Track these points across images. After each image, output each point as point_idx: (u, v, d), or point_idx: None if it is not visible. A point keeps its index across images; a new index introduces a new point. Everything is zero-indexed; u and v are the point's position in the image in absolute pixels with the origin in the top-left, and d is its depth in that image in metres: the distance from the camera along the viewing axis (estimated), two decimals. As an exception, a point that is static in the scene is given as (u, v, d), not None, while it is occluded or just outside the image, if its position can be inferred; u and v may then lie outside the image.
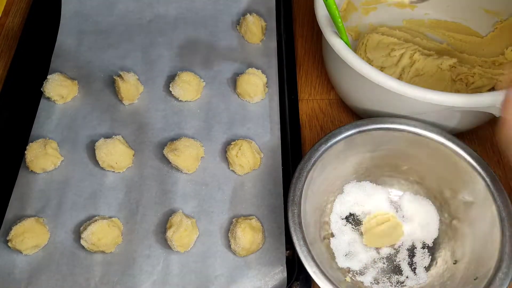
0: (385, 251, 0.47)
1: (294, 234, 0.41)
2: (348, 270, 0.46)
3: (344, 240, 0.48)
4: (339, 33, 0.46)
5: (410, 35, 0.59)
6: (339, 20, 0.45)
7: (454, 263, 0.45)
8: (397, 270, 0.46)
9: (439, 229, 0.48)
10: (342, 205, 0.49)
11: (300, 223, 0.41)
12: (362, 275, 0.46)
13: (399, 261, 0.47)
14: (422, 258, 0.47)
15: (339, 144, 0.46)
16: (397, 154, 0.48)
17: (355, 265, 0.46)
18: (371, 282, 0.46)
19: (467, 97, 0.43)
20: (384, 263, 0.47)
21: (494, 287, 0.39)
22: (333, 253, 0.47)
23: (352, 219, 0.49)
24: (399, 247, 0.48)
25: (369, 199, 0.50)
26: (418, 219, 0.48)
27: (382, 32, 0.58)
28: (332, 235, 0.48)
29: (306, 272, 0.45)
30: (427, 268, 0.46)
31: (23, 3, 0.68)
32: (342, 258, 0.47)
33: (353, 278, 0.46)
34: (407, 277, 0.46)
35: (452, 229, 0.46)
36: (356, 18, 0.60)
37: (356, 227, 0.49)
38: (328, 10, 0.45)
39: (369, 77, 0.44)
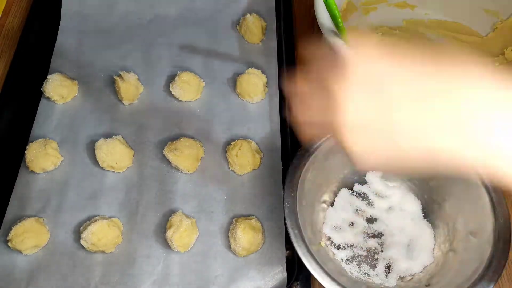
0: (372, 244, 0.47)
1: (289, 224, 0.41)
2: (328, 239, 0.47)
3: (340, 214, 0.48)
4: (339, 33, 0.46)
5: (410, 35, 0.59)
6: (340, 20, 0.44)
7: (426, 286, 0.44)
8: (372, 265, 0.46)
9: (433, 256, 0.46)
10: (358, 186, 0.50)
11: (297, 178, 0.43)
12: (338, 249, 0.47)
13: (378, 259, 0.47)
14: (400, 268, 0.46)
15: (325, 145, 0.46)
16: None
17: (337, 239, 0.47)
18: (341, 259, 0.46)
19: None
20: (364, 251, 0.47)
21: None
22: (324, 218, 0.48)
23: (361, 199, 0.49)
24: (386, 244, 0.47)
25: (388, 190, 0.50)
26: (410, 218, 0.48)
27: (382, 32, 0.58)
28: (332, 204, 0.49)
29: (306, 272, 0.45)
30: (401, 278, 0.45)
31: (23, 3, 0.68)
32: (329, 227, 0.48)
33: (328, 246, 0.46)
34: (377, 274, 0.46)
35: (444, 259, 0.45)
36: (356, 18, 0.60)
37: (360, 212, 0.49)
38: (328, 11, 0.45)
39: None
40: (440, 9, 0.60)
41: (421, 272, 0.45)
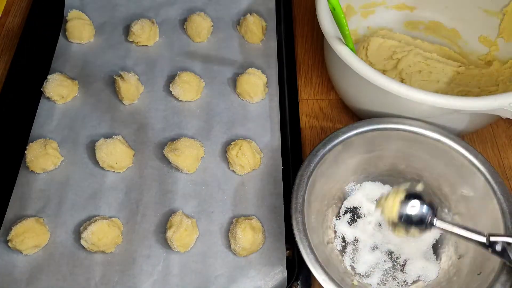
0: (387, 247, 0.47)
1: (300, 242, 0.41)
2: (354, 273, 0.46)
3: (349, 241, 0.47)
4: (344, 40, 0.46)
5: (411, 37, 0.59)
6: (347, 28, 0.44)
7: (458, 258, 0.44)
8: (402, 268, 0.46)
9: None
10: (345, 208, 0.49)
11: (305, 230, 0.41)
12: (367, 277, 0.46)
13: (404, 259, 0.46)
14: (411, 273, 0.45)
15: (337, 148, 0.45)
16: (395, 153, 0.48)
17: (360, 268, 0.46)
18: (378, 284, 0.45)
19: (474, 100, 0.42)
20: (387, 262, 0.46)
21: (500, 283, 0.38)
22: (339, 256, 0.46)
23: (353, 219, 0.49)
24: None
25: (372, 197, 0.49)
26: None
27: (383, 35, 0.58)
28: (336, 237, 0.48)
29: (306, 272, 0.45)
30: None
31: (23, 3, 0.68)
32: (348, 261, 0.46)
33: (360, 281, 0.45)
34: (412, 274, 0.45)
35: (454, 267, 0.45)
36: (355, 21, 0.59)
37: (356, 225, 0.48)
38: (335, 19, 0.44)
39: (379, 84, 0.43)
40: (439, 10, 0.60)
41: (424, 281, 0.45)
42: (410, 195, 0.41)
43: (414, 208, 0.40)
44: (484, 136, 0.55)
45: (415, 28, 0.61)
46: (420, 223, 0.40)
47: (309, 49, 0.63)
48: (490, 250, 0.38)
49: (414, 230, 0.40)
